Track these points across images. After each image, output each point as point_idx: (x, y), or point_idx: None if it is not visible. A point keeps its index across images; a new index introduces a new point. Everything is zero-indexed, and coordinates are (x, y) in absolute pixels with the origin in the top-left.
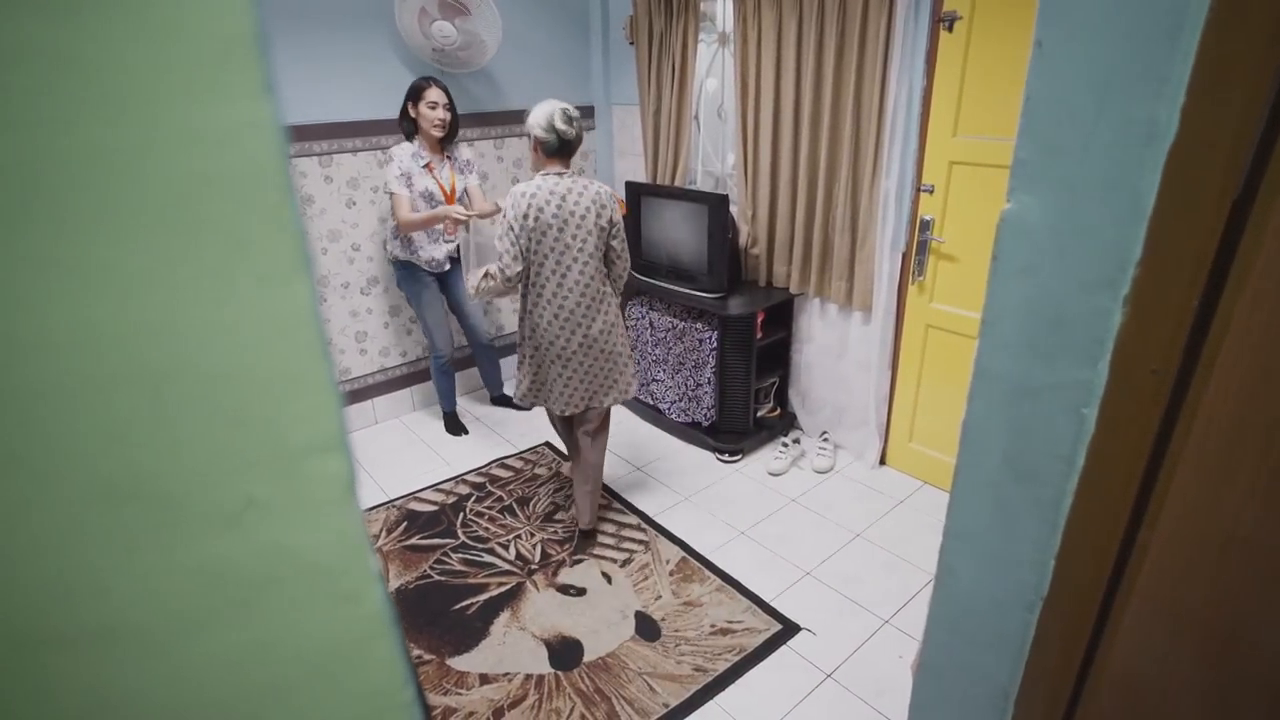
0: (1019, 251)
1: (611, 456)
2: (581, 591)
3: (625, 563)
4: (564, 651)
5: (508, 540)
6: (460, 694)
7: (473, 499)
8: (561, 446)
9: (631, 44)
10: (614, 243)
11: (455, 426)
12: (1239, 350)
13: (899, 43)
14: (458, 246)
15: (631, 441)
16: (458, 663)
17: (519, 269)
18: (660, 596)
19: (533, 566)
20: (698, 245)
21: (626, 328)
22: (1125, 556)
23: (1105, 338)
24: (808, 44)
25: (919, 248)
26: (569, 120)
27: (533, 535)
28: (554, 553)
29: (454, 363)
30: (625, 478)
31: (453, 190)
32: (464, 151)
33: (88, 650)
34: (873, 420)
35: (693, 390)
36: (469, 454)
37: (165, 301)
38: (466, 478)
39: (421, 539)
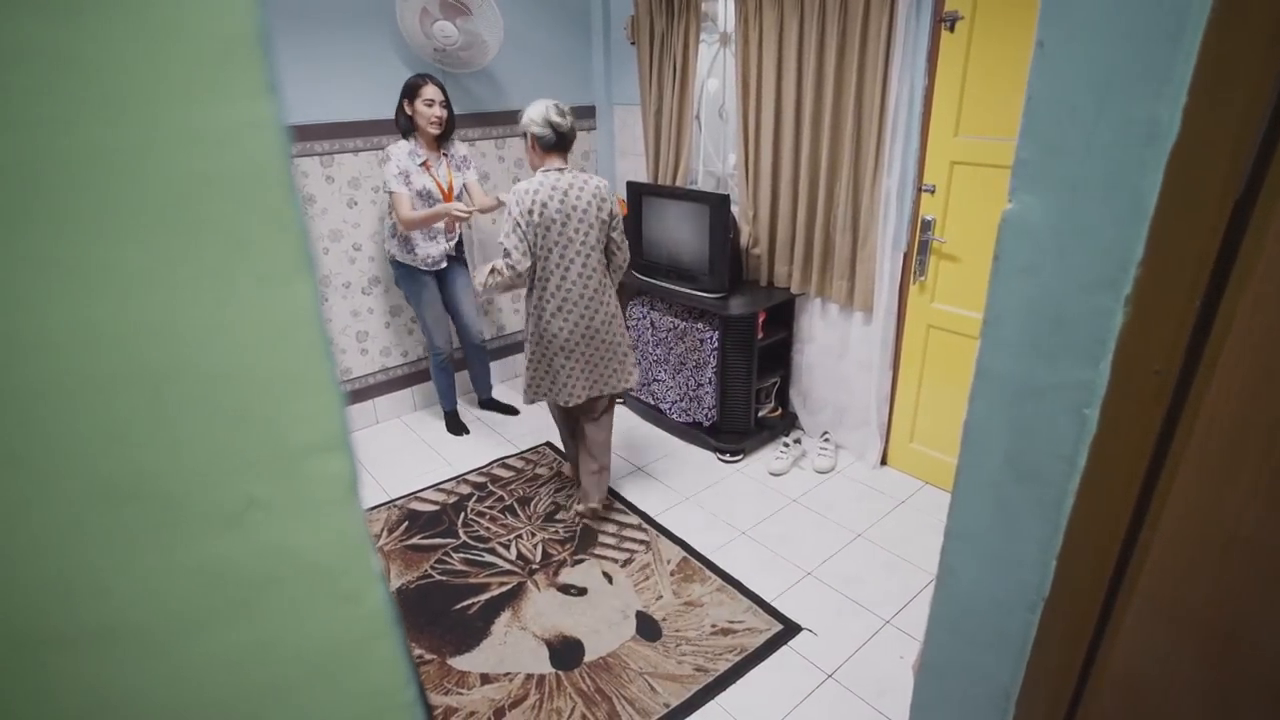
0: (1021, 251)
1: (613, 455)
2: (582, 591)
3: (626, 562)
4: (565, 651)
5: (509, 540)
6: (461, 694)
7: (474, 499)
8: (562, 446)
9: (633, 44)
10: (614, 235)
11: (456, 426)
12: (1241, 350)
13: (900, 42)
14: (456, 244)
15: (632, 441)
16: (459, 662)
17: (528, 264)
18: (661, 596)
19: (534, 566)
20: (699, 245)
21: (627, 325)
22: (1127, 557)
23: (1107, 338)
24: (809, 44)
25: (920, 248)
26: (562, 114)
27: (534, 535)
28: (555, 552)
29: (453, 361)
30: (626, 478)
31: (450, 187)
32: (460, 148)
33: (88, 650)
34: (874, 420)
35: (694, 390)
36: (470, 454)
37: (167, 301)
38: (468, 477)
39: (423, 539)
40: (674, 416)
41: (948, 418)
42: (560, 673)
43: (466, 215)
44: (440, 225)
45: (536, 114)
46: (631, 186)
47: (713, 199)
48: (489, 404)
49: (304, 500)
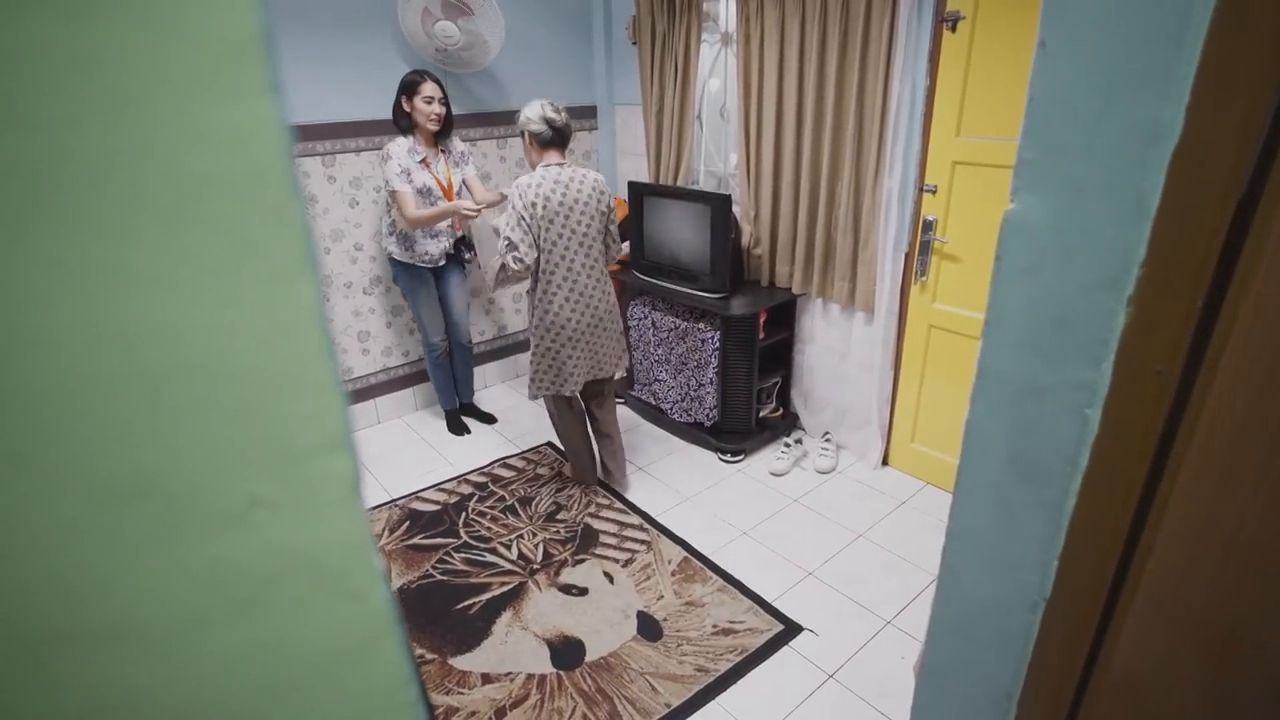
0: (1022, 252)
1: None
2: (583, 591)
3: (627, 562)
4: (566, 651)
5: (510, 540)
6: (462, 693)
7: (475, 498)
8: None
9: (634, 44)
10: (611, 226)
11: (457, 426)
12: (1243, 351)
13: (902, 42)
14: (454, 243)
15: (634, 441)
16: (460, 662)
17: (535, 255)
18: (662, 596)
19: (535, 566)
20: (700, 245)
21: (627, 326)
22: (1128, 557)
23: (1109, 338)
24: (810, 44)
25: (922, 248)
26: (557, 110)
27: (535, 535)
28: (556, 552)
29: (447, 356)
30: (627, 477)
31: (449, 184)
32: (457, 144)
33: (91, 650)
34: (875, 420)
35: (695, 390)
36: (471, 453)
37: (169, 301)
38: (469, 477)
39: (424, 538)
40: (675, 416)
41: (949, 418)
42: (561, 673)
43: (475, 214)
44: (446, 223)
45: (533, 112)
46: (633, 186)
47: (714, 199)
48: (469, 409)
49: (307, 500)
